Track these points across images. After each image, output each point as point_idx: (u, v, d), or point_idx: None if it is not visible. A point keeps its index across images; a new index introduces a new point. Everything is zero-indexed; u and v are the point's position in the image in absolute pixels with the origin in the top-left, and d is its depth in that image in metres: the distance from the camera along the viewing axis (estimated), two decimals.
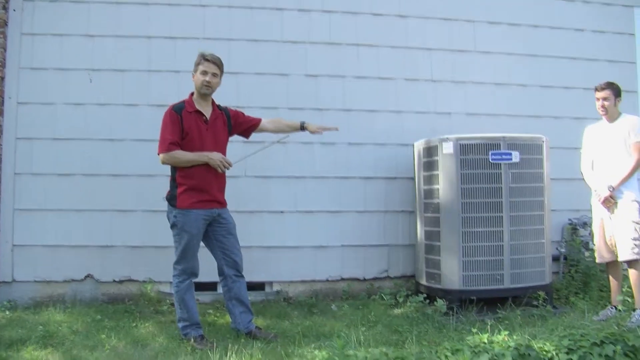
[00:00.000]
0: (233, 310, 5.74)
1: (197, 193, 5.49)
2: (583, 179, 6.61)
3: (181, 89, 6.91)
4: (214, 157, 5.53)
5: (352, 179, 7.38)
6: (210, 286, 7.02)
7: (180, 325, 5.55)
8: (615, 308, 6.28)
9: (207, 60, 5.58)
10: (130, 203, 7.00)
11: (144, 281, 6.96)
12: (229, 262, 5.72)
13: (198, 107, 5.59)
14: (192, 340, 5.37)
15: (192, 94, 5.66)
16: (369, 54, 7.52)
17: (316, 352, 4.70)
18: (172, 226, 5.55)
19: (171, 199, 5.55)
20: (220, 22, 7.26)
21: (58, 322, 5.95)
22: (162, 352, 5.12)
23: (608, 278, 6.55)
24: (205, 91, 5.59)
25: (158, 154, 5.51)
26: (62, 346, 5.22)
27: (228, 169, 5.64)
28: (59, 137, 6.97)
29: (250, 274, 6.84)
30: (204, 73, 5.55)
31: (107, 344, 5.27)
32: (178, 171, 5.51)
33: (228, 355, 4.83)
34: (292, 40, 7.37)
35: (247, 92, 7.18)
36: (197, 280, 6.80)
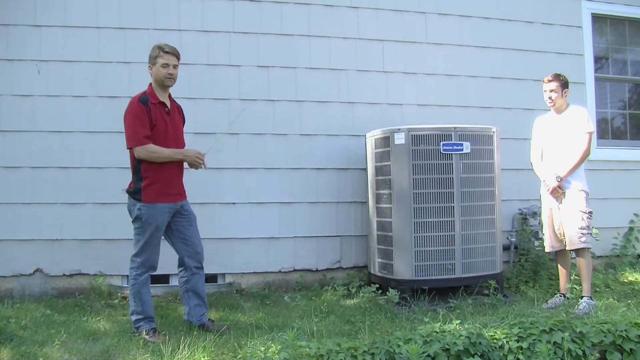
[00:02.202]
0: (188, 302, 5.71)
1: (162, 186, 5.47)
2: (532, 169, 6.70)
3: (132, 80, 6.88)
4: (190, 154, 5.59)
5: (304, 170, 7.37)
6: (163, 279, 6.99)
7: (132, 318, 5.49)
8: (564, 296, 6.39)
9: (166, 52, 5.52)
10: (80, 196, 6.90)
11: (95, 275, 6.87)
12: (191, 253, 5.70)
13: (160, 98, 5.54)
14: (144, 333, 5.33)
15: (150, 84, 5.58)
16: (321, 45, 7.51)
17: (269, 343, 4.69)
18: (136, 219, 5.48)
19: (135, 192, 5.47)
20: (171, 12, 7.18)
21: (6, 317, 5.82)
22: (113, 346, 5.06)
23: (557, 267, 6.65)
24: (169, 83, 5.56)
25: (129, 148, 5.42)
26: (10, 342, 5.11)
27: (204, 165, 5.66)
28: (5, 129, 6.84)
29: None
30: (165, 66, 5.50)
31: (57, 339, 5.18)
32: (143, 164, 5.43)
33: (180, 347, 4.79)
34: (244, 31, 7.32)
35: (199, 83, 7.13)
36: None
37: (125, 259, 6.78)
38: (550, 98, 6.44)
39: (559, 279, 6.72)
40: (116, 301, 6.66)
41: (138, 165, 5.46)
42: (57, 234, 6.89)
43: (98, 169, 6.90)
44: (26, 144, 6.85)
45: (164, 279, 7.06)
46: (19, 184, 6.83)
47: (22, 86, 6.88)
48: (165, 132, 5.50)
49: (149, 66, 5.58)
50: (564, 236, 6.39)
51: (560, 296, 6.45)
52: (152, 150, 5.40)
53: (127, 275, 5.63)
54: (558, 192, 6.33)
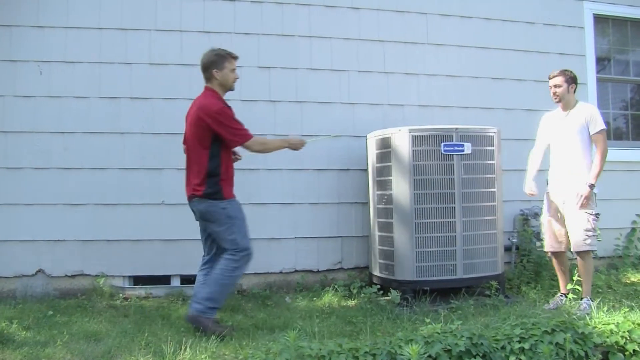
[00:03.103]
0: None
1: (231, 183, 5.67)
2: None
3: (133, 81, 6.88)
4: (294, 141, 5.99)
5: (305, 171, 7.37)
6: (164, 279, 7.01)
7: (206, 304, 5.49)
8: (566, 296, 6.36)
9: (233, 58, 5.75)
10: (81, 197, 6.91)
11: (97, 275, 6.87)
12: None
13: None
14: (211, 322, 5.45)
15: (212, 89, 5.69)
16: (322, 46, 7.51)
17: (270, 344, 4.69)
18: (225, 217, 5.54)
19: (215, 192, 5.52)
20: (173, 13, 7.18)
21: (8, 318, 5.82)
22: (115, 347, 5.05)
23: (555, 267, 6.60)
24: (234, 87, 5.81)
25: (243, 143, 5.57)
26: (13, 343, 5.11)
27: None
28: (8, 130, 6.84)
29: None
30: (233, 71, 5.72)
31: (59, 339, 5.18)
32: (222, 165, 5.56)
33: (182, 348, 4.79)
34: (245, 31, 7.33)
35: (199, 84, 7.10)
36: (150, 274, 6.82)
37: (127, 260, 6.85)
38: (554, 94, 6.36)
39: (551, 280, 6.72)
40: (118, 302, 6.66)
41: (217, 168, 5.53)
42: (59, 235, 6.89)
43: (99, 170, 6.91)
44: (28, 144, 6.86)
45: (165, 279, 7.07)
46: (21, 185, 6.84)
47: (24, 87, 6.88)
48: None
49: (215, 71, 5.63)
50: (564, 237, 6.37)
51: (562, 296, 6.41)
52: (263, 142, 5.89)
53: (224, 268, 5.53)
54: (590, 199, 6.18)
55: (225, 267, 5.49)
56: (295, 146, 5.97)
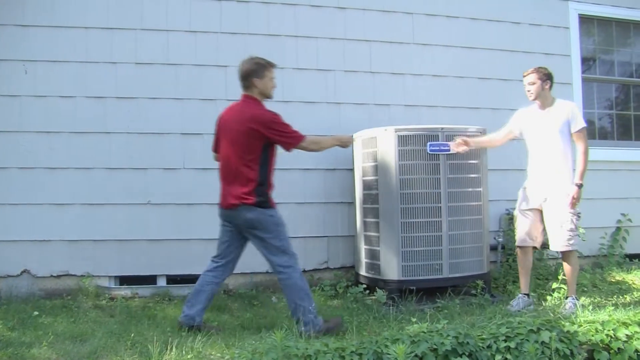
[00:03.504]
0: (199, 298, 5.73)
1: (272, 190, 5.69)
2: (520, 170, 6.64)
3: (118, 80, 6.88)
4: (344, 139, 6.13)
5: (291, 171, 7.31)
6: (150, 279, 7.01)
7: (310, 317, 5.47)
8: (528, 296, 6.37)
9: (273, 66, 5.75)
10: (67, 196, 6.89)
11: (83, 275, 6.85)
12: (235, 263, 5.93)
13: None
14: (319, 327, 5.45)
15: (254, 98, 5.69)
16: (308, 46, 7.51)
17: (257, 344, 4.68)
18: (274, 225, 5.58)
19: (265, 201, 5.55)
20: (159, 12, 7.16)
21: None
22: (101, 348, 5.04)
23: (519, 264, 6.52)
24: (272, 96, 5.84)
25: (298, 145, 5.62)
26: None
27: None
28: None
29: (190, 267, 6.86)
30: (272, 79, 5.76)
31: (44, 340, 5.16)
32: (270, 172, 5.61)
33: (168, 348, 4.79)
34: (231, 31, 7.32)
35: (186, 83, 7.12)
36: (136, 274, 6.80)
37: (113, 260, 6.83)
38: (529, 91, 6.33)
39: (536, 279, 6.74)
40: (104, 302, 6.64)
41: (266, 177, 5.57)
42: (45, 235, 6.86)
43: (86, 170, 6.89)
44: (14, 144, 6.82)
45: (151, 279, 7.06)
46: (6, 185, 6.82)
47: (10, 86, 6.85)
48: None
49: (255, 79, 5.62)
50: (539, 234, 6.35)
51: (524, 297, 6.36)
52: (317, 141, 5.97)
53: (285, 285, 5.60)
54: (579, 199, 6.16)
55: (291, 278, 5.57)
56: (345, 144, 6.12)
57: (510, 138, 6.63)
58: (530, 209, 6.38)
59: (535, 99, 6.36)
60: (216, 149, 5.87)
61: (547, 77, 6.32)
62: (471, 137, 6.51)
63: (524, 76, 6.40)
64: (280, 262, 5.54)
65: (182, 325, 5.58)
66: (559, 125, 6.20)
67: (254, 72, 5.61)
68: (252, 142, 5.46)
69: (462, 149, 6.44)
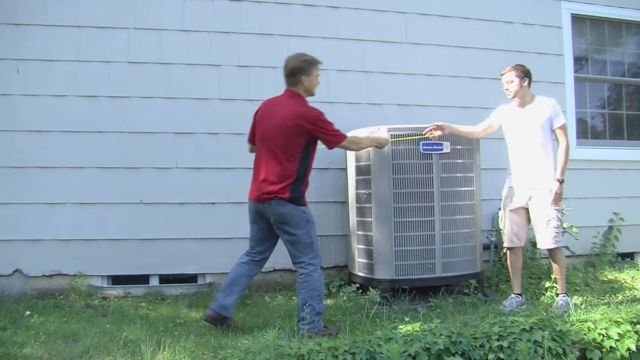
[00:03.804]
0: (235, 289, 5.79)
1: (307, 188, 5.71)
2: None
3: (111, 79, 6.87)
4: (381, 139, 6.25)
5: None
6: (142, 279, 7.00)
7: (316, 319, 5.45)
8: (521, 295, 6.38)
9: (320, 64, 5.81)
10: (59, 196, 6.87)
11: (75, 275, 6.83)
12: (269, 254, 5.94)
13: None
14: (321, 329, 5.45)
15: (299, 94, 5.72)
16: (301, 45, 7.41)
17: (249, 343, 4.69)
18: (305, 222, 5.57)
19: (299, 197, 5.56)
20: (151, 11, 7.15)
21: None
22: (93, 347, 5.04)
23: (510, 265, 6.51)
24: (315, 93, 5.87)
25: (340, 143, 5.71)
26: None
27: None
28: None
29: (182, 266, 6.88)
30: (318, 77, 5.79)
31: (37, 340, 5.17)
32: (308, 169, 5.64)
33: (161, 348, 4.80)
34: (224, 30, 7.31)
35: (179, 82, 7.11)
36: (129, 273, 6.78)
37: (105, 259, 6.81)
38: (507, 90, 6.30)
39: (529, 278, 6.74)
40: (96, 302, 6.63)
41: (304, 173, 5.61)
42: (37, 234, 6.85)
43: (78, 169, 6.87)
44: (5, 143, 6.81)
45: (144, 279, 7.05)
46: None
47: (1, 85, 6.83)
48: None
49: (303, 77, 5.64)
50: (525, 233, 6.36)
51: (517, 296, 6.36)
52: (357, 141, 6.13)
53: (303, 281, 5.56)
54: (561, 195, 6.15)
55: (312, 276, 5.55)
56: (382, 145, 6.21)
57: (489, 132, 6.64)
58: (516, 208, 6.36)
59: (513, 97, 6.31)
60: (252, 140, 5.89)
61: (525, 74, 6.26)
62: (448, 124, 6.49)
63: (502, 75, 6.37)
64: (305, 259, 5.54)
65: (211, 316, 5.61)
66: (540, 122, 6.18)
67: (302, 69, 5.63)
68: (295, 138, 5.48)
69: (437, 133, 6.43)
